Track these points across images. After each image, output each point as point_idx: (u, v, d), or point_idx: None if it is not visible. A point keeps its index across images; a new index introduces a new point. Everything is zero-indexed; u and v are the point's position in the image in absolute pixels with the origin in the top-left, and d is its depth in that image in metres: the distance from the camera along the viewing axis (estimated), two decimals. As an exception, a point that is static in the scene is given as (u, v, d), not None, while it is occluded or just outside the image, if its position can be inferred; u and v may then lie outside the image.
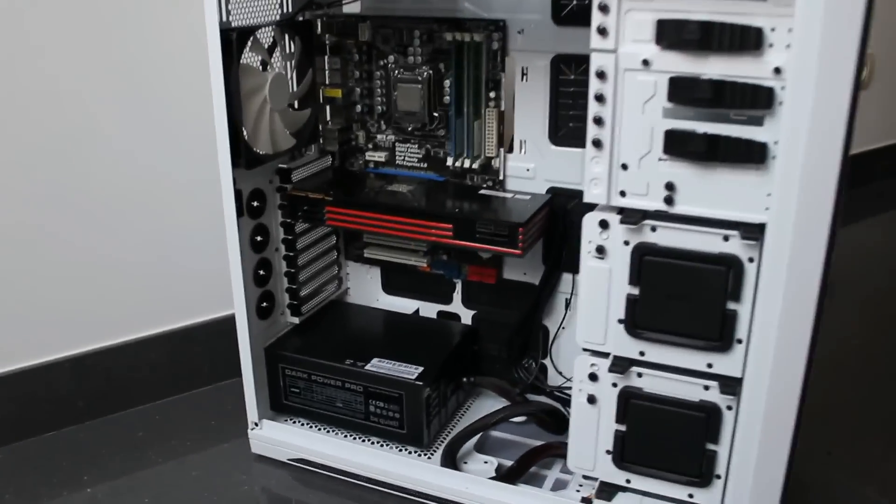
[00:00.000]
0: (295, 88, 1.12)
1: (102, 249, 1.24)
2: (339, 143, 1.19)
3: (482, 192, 1.14)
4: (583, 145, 1.08)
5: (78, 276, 1.23)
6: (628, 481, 1.00)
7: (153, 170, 1.26)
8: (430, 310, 1.28)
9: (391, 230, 1.08)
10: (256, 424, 1.17)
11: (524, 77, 1.10)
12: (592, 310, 0.95)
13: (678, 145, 0.85)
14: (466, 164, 1.14)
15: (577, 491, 1.06)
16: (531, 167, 1.13)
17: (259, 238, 1.12)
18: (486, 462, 1.12)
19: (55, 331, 1.23)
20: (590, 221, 0.92)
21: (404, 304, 1.29)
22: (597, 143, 0.88)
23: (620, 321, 0.93)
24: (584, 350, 0.97)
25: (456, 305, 1.26)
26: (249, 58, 1.03)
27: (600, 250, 0.92)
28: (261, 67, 1.07)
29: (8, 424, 1.21)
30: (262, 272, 1.13)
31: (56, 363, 1.23)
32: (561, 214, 1.12)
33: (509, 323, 1.21)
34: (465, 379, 1.20)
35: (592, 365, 0.97)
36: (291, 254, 1.17)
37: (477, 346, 1.24)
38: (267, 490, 1.13)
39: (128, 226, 1.25)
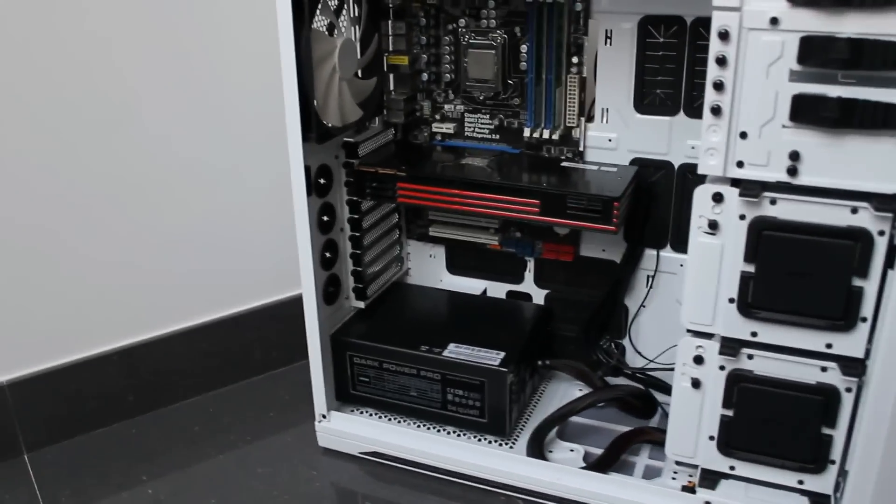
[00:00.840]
0: (360, 55, 1.04)
1: (147, 235, 1.16)
2: (405, 115, 1.12)
3: (564, 164, 1.07)
4: (669, 113, 1.03)
5: (123, 263, 1.15)
6: (732, 468, 0.94)
7: (200, 148, 1.18)
8: (498, 290, 1.22)
9: (471, 207, 1.01)
10: (324, 416, 1.11)
11: (608, 41, 1.02)
12: (701, 289, 0.88)
13: (807, 111, 0.78)
14: (545, 134, 1.07)
15: (673, 478, 1.01)
16: (613, 137, 1.06)
17: (326, 218, 1.05)
18: (572, 450, 1.06)
19: (101, 323, 1.16)
20: (702, 194, 0.85)
21: (470, 285, 1.22)
22: (715, 111, 0.82)
23: (731, 300, 0.87)
24: (689, 332, 0.91)
25: (527, 285, 1.19)
26: (318, 21, 0.95)
27: (713, 225, 0.86)
28: (327, 32, 0.99)
29: (57, 422, 1.14)
30: (328, 254, 1.06)
31: (104, 356, 1.16)
32: (645, 187, 1.06)
33: (585, 302, 1.15)
34: (540, 362, 1.13)
35: (698, 347, 0.91)
36: (357, 234, 1.10)
37: (550, 327, 1.18)
38: (339, 485, 1.07)
39: (173, 210, 1.18)
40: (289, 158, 0.96)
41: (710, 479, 0.96)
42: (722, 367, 0.90)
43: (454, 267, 1.23)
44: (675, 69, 1.01)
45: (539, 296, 1.19)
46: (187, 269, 1.21)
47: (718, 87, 0.81)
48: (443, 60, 1.10)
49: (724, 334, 0.89)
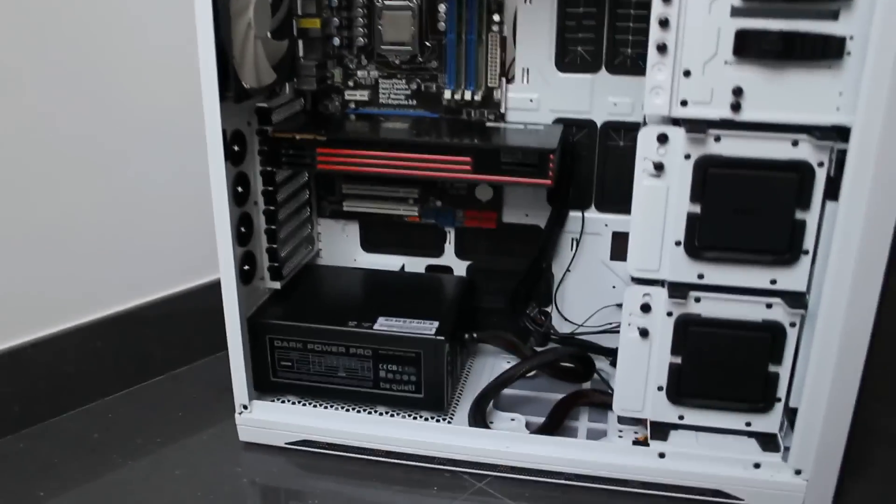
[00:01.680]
0: (272, 15, 0.97)
1: (29, 220, 1.03)
2: (317, 81, 1.05)
3: (489, 125, 1.04)
4: (591, 70, 1.03)
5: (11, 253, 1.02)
6: (681, 417, 0.94)
7: (87, 125, 1.06)
8: (417, 265, 1.17)
9: (398, 170, 0.96)
10: (245, 407, 1.01)
11: (527, -1, 1.01)
12: (647, 234, 0.88)
13: (751, 46, 0.79)
14: (466, 96, 1.04)
15: (620, 437, 0.99)
16: (535, 97, 1.05)
17: (240, 189, 0.97)
18: (513, 419, 1.02)
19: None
20: (646, 136, 0.85)
21: (387, 262, 1.17)
22: (661, 48, 0.81)
23: (678, 243, 0.87)
24: (635, 280, 0.90)
25: (448, 257, 1.15)
26: (230, -26, 0.88)
27: (658, 167, 0.85)
28: (239, -14, 0.91)
29: (-75, 441, 0.98)
30: (243, 229, 0.98)
31: (-19, 361, 1.02)
32: (568, 147, 1.05)
33: (509, 271, 1.12)
34: (467, 335, 1.09)
35: (645, 295, 0.90)
36: (272, 208, 1.02)
37: (474, 299, 1.14)
38: (268, 480, 0.98)
39: (54, 192, 1.05)
40: (204, 120, 0.88)
41: (660, 431, 0.95)
42: (670, 314, 0.90)
43: (369, 244, 1.17)
44: (595, 26, 1.01)
45: (461, 268, 1.16)
46: (75, 259, 1.08)
47: (664, 24, 0.80)
48: (355, 24, 1.05)
49: (671, 279, 0.89)
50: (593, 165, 1.06)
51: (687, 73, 0.82)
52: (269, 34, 0.97)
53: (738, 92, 0.81)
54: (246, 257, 1.00)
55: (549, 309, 1.14)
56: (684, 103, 0.82)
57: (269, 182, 1.01)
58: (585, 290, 1.12)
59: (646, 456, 0.94)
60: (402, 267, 1.17)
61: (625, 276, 1.10)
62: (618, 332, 1.08)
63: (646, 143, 0.85)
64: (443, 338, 0.98)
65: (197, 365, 1.20)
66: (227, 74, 0.87)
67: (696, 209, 0.85)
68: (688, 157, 0.84)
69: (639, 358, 0.92)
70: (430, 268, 1.16)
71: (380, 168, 0.97)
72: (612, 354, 1.09)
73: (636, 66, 1.01)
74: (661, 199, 0.86)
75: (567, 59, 1.03)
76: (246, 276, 1.00)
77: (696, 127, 0.82)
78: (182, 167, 1.13)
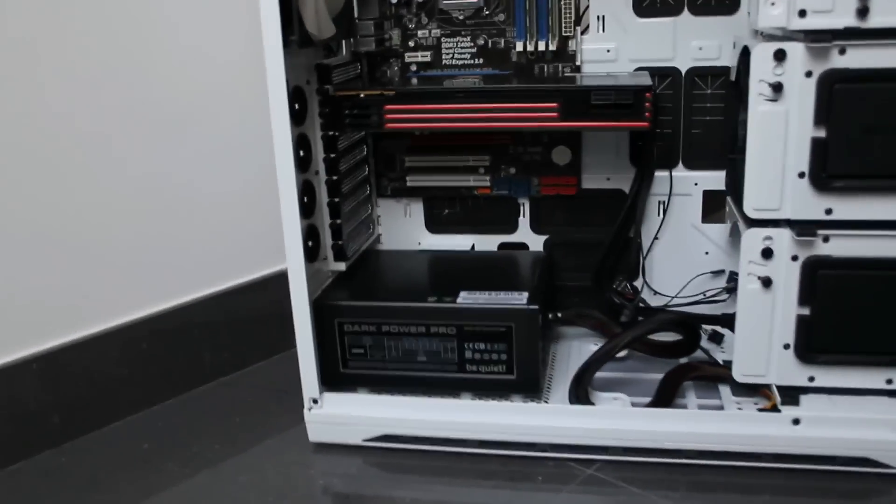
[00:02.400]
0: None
1: (66, 207, 0.94)
2: (375, 42, 0.97)
3: (567, 75, 0.95)
4: (672, 13, 0.95)
5: (36, 246, 0.92)
6: (812, 379, 0.83)
7: (131, 100, 0.97)
8: (489, 244, 1.07)
9: (478, 123, 0.87)
10: (315, 401, 0.90)
11: (600, -64, 0.94)
12: (766, 167, 0.79)
13: (879, -64, 0.71)
14: (540, 47, 0.95)
15: (739, 410, 0.88)
16: (612, 47, 0.96)
17: (302, 153, 0.87)
18: (616, 399, 0.91)
19: (13, 323, 0.91)
20: (762, 54, 0.76)
21: (455, 243, 1.07)
22: (777, -51, 0.73)
23: (802, 175, 0.78)
24: (752, 223, 0.81)
25: (522, 233, 1.05)
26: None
27: (776, 88, 0.76)
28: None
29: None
30: (306, 199, 0.89)
31: (18, 365, 0.91)
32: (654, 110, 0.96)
33: (590, 244, 1.02)
34: (551, 315, 0.99)
35: (766, 238, 0.80)
36: (335, 178, 0.92)
37: (553, 277, 1.04)
38: (346, 484, 0.86)
39: (91, 180, 0.95)
40: (266, 71, 0.79)
41: (789, 396, 0.84)
42: (795, 258, 0.80)
43: (434, 224, 1.07)
44: (676, -38, 0.93)
45: (537, 243, 1.06)
46: (115, 255, 0.98)
47: (779, -80, 0.72)
48: (414, -23, 0.97)
49: (795, 217, 0.79)
50: (679, 118, 0.98)
51: (806, -22, 0.73)
52: (326, -17, 0.89)
53: (864, -7, 0.73)
54: (310, 232, 0.90)
55: (637, 282, 1.03)
56: (802, 13, 0.74)
57: (331, 148, 0.92)
58: (676, 258, 1.02)
59: (778, 424, 0.83)
60: (472, 247, 1.07)
61: (719, 240, 1.01)
62: (715, 301, 1.01)
63: (761, 63, 0.76)
64: (537, 307, 0.87)
65: (250, 370, 1.09)
66: (290, 18, 0.79)
67: (822, 133, 0.76)
68: (809, 74, 0.75)
69: (761, 312, 0.82)
70: (503, 245, 1.07)
71: (455, 122, 0.88)
72: (716, 322, 0.98)
73: (722, 4, 0.93)
74: (781, 125, 0.77)
75: (645, 3, 0.95)
76: (310, 254, 0.90)
77: (818, 38, 0.74)
78: (231, 152, 1.04)
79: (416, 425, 0.88)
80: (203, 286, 1.05)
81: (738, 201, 0.84)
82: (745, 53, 0.86)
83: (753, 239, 0.81)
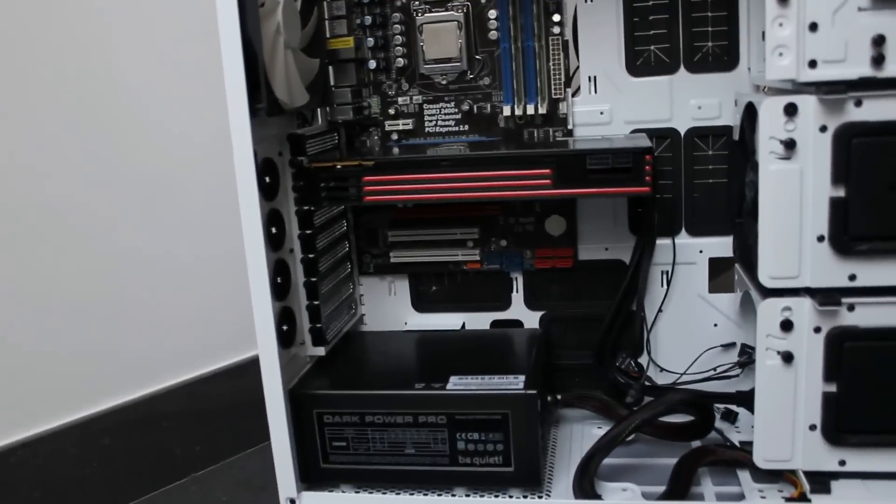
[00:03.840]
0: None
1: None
2: (353, 111, 0.91)
3: (559, 139, 0.90)
4: (668, 71, 0.90)
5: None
6: (843, 463, 0.75)
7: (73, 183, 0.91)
8: (480, 322, 0.99)
9: (465, 193, 0.81)
10: (293, 502, 0.81)
11: (588, -4, 0.89)
12: (781, 231, 0.72)
13: (891, -18, 0.66)
14: (529, 111, 0.89)
15: (763, 498, 0.79)
16: (606, 109, 0.91)
17: (274, 230, 0.81)
18: (625, 490, 0.83)
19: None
20: (771, 109, 0.70)
21: (444, 322, 0.99)
22: (783, -2, 0.68)
23: (821, 238, 0.71)
24: (768, 293, 0.74)
25: (517, 309, 0.98)
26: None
27: (789, 145, 0.70)
28: (262, -6, 0.78)
29: None
30: (279, 279, 0.81)
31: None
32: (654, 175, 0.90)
33: (591, 318, 0.95)
34: (550, 398, 0.91)
35: (785, 309, 0.73)
36: (311, 256, 0.85)
37: (550, 356, 0.97)
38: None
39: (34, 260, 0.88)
40: (231, 141, 0.73)
41: (819, 482, 0.76)
42: (818, 329, 0.73)
43: (421, 302, 1.00)
44: (669, 19, 0.88)
45: (532, 320, 0.98)
46: (71, 338, 0.90)
47: (783, -33, 0.67)
48: (392, 43, 0.92)
49: (816, 285, 0.72)
50: (680, 182, 0.92)
51: (814, 27, 0.68)
52: (300, 48, 0.83)
53: (879, 41, 0.67)
54: (284, 315, 0.82)
55: (642, 359, 0.96)
56: (813, 64, 0.68)
57: (307, 224, 0.85)
58: (683, 331, 0.95)
59: (809, 515, 0.74)
60: (463, 325, 0.99)
61: (728, 311, 0.93)
62: (727, 377, 0.93)
63: (770, 119, 0.70)
64: (535, 391, 0.79)
65: (225, 464, 1.00)
66: (258, 84, 0.73)
67: (841, 192, 0.70)
68: (824, 129, 0.69)
69: (783, 391, 0.74)
70: (495, 323, 0.99)
71: (440, 193, 0.81)
72: (730, 400, 0.90)
73: (720, 62, 0.88)
74: (795, 185, 0.71)
75: (640, 61, 0.90)
76: (285, 339, 0.82)
77: (832, 90, 0.68)
78: (202, 228, 0.97)
79: (406, 528, 0.79)
80: (172, 374, 0.97)
81: (750, 269, 0.78)
82: (750, 110, 0.80)
83: (771, 310, 0.73)
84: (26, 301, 0.86)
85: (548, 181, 0.79)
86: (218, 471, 0.99)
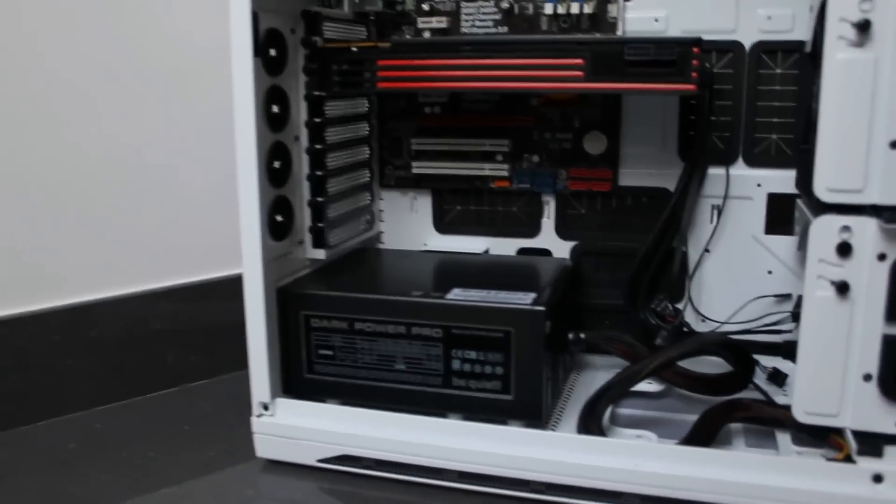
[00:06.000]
0: None
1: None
2: (383, 3, 0.84)
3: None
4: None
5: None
6: (900, 424, 0.62)
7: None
8: (506, 248, 0.90)
9: (486, 83, 0.72)
10: (266, 408, 0.74)
11: None
12: (845, 132, 0.60)
13: None
14: (573, 9, 0.80)
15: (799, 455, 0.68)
16: (661, 15, 0.81)
17: (277, 109, 0.74)
18: (639, 437, 0.72)
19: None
20: (822, 231, 0.60)
21: (467, 245, 0.90)
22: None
23: (895, 144, 0.59)
24: (824, 210, 0.62)
25: (546, 237, 0.88)
26: None
27: (863, 28, 0.59)
28: None
29: None
30: (276, 164, 0.74)
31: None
32: (705, 77, 0.79)
33: (628, 252, 0.85)
34: (571, 335, 0.81)
35: (843, 229, 0.61)
36: (318, 146, 0.78)
37: (579, 292, 0.87)
38: (291, 510, 0.69)
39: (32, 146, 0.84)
40: (226, -5, 0.66)
41: (870, 445, 0.63)
42: (882, 256, 0.61)
43: (444, 222, 0.92)
44: None
45: (562, 251, 0.88)
46: (77, 219, 0.85)
47: None
48: (431, -75, 0.84)
49: (885, 202, 0.60)
50: (741, 104, 0.80)
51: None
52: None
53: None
54: (279, 204, 0.75)
55: (680, 303, 0.84)
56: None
57: (316, 111, 0.78)
58: (731, 276, 0.83)
59: (853, 480, 0.62)
60: (486, 252, 0.90)
61: (786, 256, 0.82)
62: (777, 331, 0.81)
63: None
64: (542, 309, 0.70)
65: (221, 379, 0.94)
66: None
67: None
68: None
69: (834, 329, 0.63)
70: (522, 251, 0.90)
71: (460, 81, 0.73)
72: (777, 352, 0.78)
73: (798, -38, 0.77)
74: (868, 79, 0.59)
75: (704, -40, 0.79)
76: (279, 230, 0.75)
77: None
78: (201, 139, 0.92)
79: (381, 446, 0.71)
80: (174, 273, 0.91)
81: (811, 195, 0.66)
82: (825, 7, 0.69)
83: (826, 230, 0.62)
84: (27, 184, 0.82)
85: (579, 73, 0.70)
86: (211, 384, 0.93)
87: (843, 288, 0.62)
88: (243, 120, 0.68)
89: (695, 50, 0.68)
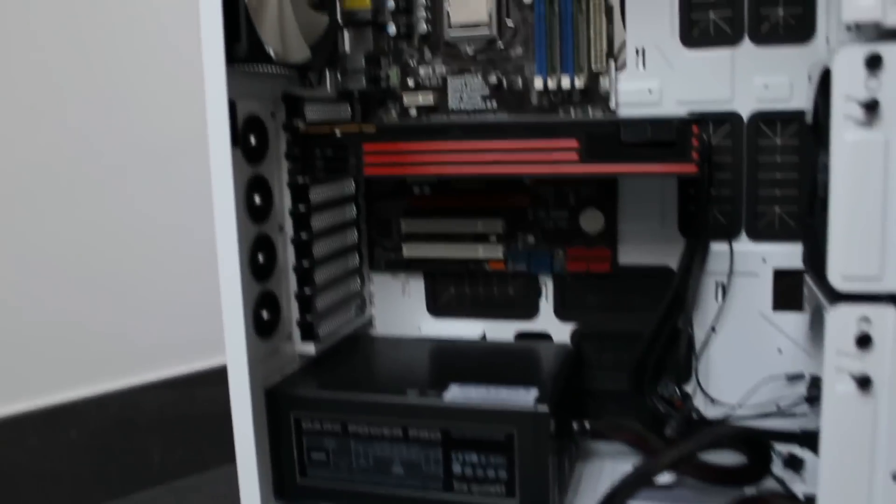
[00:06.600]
0: (308, -20, 0.75)
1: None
2: (367, 80, 0.81)
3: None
4: (729, 43, 0.76)
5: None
6: (936, 530, 0.58)
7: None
8: (503, 331, 0.86)
9: (476, 167, 0.69)
10: (256, 518, 0.69)
11: (636, -47, 0.77)
12: (857, 216, 0.58)
13: None
14: (564, 84, 0.77)
15: (826, 564, 0.63)
16: (655, 86, 0.78)
17: (258, 200, 0.70)
18: (655, 539, 0.68)
19: None
20: (847, 61, 0.56)
21: (462, 329, 0.87)
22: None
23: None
24: (839, 299, 0.59)
25: (545, 319, 0.85)
26: None
27: (870, 108, 0.56)
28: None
29: None
30: (261, 257, 0.71)
31: None
32: (704, 152, 0.76)
33: (630, 334, 0.81)
34: (576, 426, 0.77)
35: (862, 319, 0.58)
36: (304, 237, 0.75)
37: (581, 377, 0.83)
38: None
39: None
40: (204, 85, 0.63)
41: (900, 547, 0.59)
42: (906, 347, 0.57)
43: (438, 306, 0.88)
44: (731, -22, 0.75)
45: (562, 333, 0.85)
46: (41, 324, 0.81)
47: None
48: (415, 4, 0.81)
49: (901, 288, 0.57)
50: (741, 176, 0.77)
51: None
52: (310, 2, 0.74)
53: None
54: (264, 299, 0.71)
55: (688, 387, 0.80)
56: (899, -2, 0.54)
57: (301, 199, 0.74)
58: (740, 356, 0.79)
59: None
60: (483, 336, 0.86)
61: (796, 334, 0.78)
62: (791, 415, 0.77)
63: (847, 72, 0.57)
64: (546, 409, 0.66)
65: (210, 474, 0.89)
66: (237, 20, 0.63)
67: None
68: None
69: (857, 426, 0.59)
70: (520, 336, 0.86)
71: (450, 167, 0.70)
72: (793, 441, 0.74)
73: (792, 32, 0.74)
74: (877, 159, 0.57)
75: (696, 31, 0.77)
76: (265, 327, 0.72)
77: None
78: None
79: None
80: (157, 366, 0.87)
81: (821, 277, 0.63)
82: (826, 80, 0.66)
83: (843, 320, 0.58)
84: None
85: (574, 155, 0.67)
86: (200, 481, 0.88)
87: (864, 382, 0.58)
88: (223, 215, 0.65)
89: (694, 129, 0.65)
